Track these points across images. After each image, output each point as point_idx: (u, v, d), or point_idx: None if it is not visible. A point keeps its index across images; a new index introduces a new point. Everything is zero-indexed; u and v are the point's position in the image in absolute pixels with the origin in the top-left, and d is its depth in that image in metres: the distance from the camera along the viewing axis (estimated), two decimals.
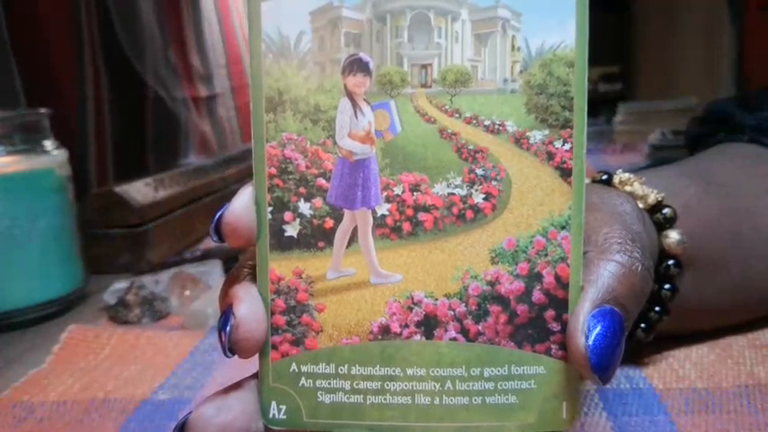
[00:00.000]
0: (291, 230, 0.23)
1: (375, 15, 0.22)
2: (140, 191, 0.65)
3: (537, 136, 0.23)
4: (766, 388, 0.33)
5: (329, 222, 0.23)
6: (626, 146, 1.21)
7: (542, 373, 0.22)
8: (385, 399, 0.23)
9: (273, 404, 0.23)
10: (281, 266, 0.23)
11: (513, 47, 0.22)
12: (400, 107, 0.23)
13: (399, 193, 0.23)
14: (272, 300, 0.23)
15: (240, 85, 1.08)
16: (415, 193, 0.23)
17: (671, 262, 0.33)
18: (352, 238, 0.23)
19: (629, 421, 0.31)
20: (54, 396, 0.37)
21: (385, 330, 0.23)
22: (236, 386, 0.24)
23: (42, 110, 0.55)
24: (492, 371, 0.23)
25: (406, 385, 0.23)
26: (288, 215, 0.23)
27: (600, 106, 1.49)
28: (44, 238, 0.52)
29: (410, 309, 0.23)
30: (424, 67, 0.23)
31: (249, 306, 0.22)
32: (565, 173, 0.22)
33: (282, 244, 0.23)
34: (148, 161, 0.83)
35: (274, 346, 0.23)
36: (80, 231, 0.57)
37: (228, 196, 0.23)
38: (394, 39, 0.22)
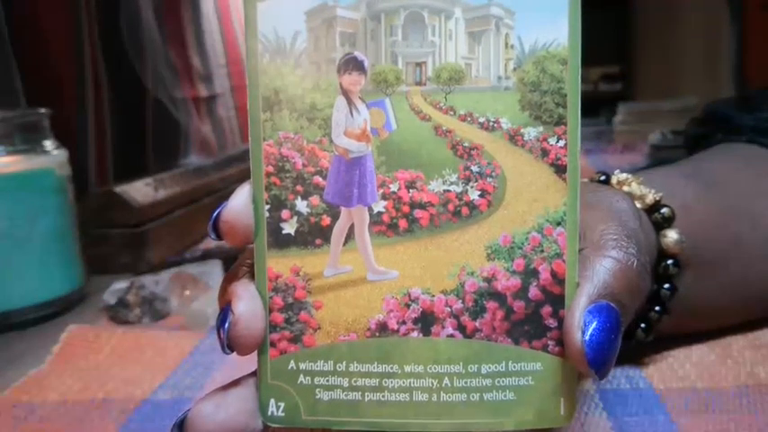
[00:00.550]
0: (289, 228, 0.23)
1: (369, 14, 0.23)
2: (140, 191, 0.65)
3: (531, 133, 0.23)
4: (766, 388, 0.33)
5: (326, 220, 0.23)
6: (626, 146, 1.21)
7: (539, 369, 0.22)
8: (383, 396, 0.23)
9: (272, 401, 0.23)
10: (278, 264, 0.23)
11: (506, 44, 0.22)
12: (395, 105, 0.23)
13: (395, 191, 0.23)
14: (271, 297, 0.23)
15: (240, 85, 1.08)
16: (410, 191, 0.23)
17: (670, 261, 0.33)
18: (349, 236, 0.23)
19: (629, 421, 0.31)
20: (54, 396, 0.37)
21: (382, 327, 0.23)
22: (235, 383, 0.24)
23: (42, 110, 0.55)
24: (489, 367, 0.23)
25: (403, 382, 0.23)
26: (285, 213, 0.23)
27: (600, 106, 1.49)
28: (44, 238, 0.53)
29: (407, 305, 0.23)
30: (419, 65, 0.23)
31: (248, 303, 0.23)
32: (560, 169, 0.22)
33: (280, 242, 0.23)
34: (148, 161, 0.84)
35: (273, 344, 0.23)
36: (80, 231, 0.57)
37: (228, 196, 0.23)
38: (388, 37, 0.23)
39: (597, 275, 0.23)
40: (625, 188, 0.33)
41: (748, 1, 1.39)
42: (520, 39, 0.22)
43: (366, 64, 0.23)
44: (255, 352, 0.23)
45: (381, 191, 0.23)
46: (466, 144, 0.23)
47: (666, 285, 0.33)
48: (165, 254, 0.65)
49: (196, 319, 0.48)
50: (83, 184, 0.67)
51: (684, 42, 1.67)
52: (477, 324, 0.23)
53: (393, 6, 0.23)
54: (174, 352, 0.42)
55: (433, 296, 0.23)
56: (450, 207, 0.23)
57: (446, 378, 0.23)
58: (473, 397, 0.23)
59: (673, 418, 0.31)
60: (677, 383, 0.34)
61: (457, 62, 0.23)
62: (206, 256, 0.62)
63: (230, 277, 0.24)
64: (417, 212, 0.23)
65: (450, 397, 0.23)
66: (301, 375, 0.23)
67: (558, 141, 0.22)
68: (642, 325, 0.33)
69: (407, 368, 0.23)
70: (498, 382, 0.23)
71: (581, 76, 0.22)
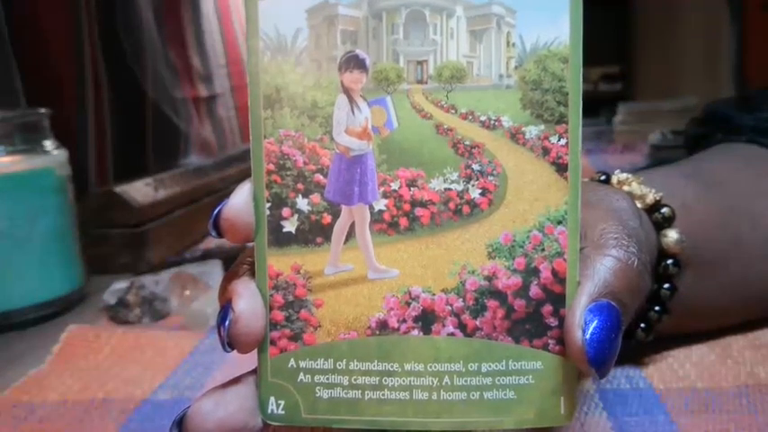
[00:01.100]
0: (289, 226, 0.23)
1: (371, 12, 0.23)
2: (140, 191, 0.65)
3: (532, 131, 0.23)
4: (766, 388, 0.33)
5: (327, 218, 0.23)
6: (626, 146, 1.21)
7: (540, 368, 0.22)
8: (383, 394, 0.23)
9: (272, 399, 0.23)
10: (279, 262, 0.23)
11: (507, 43, 0.22)
12: (397, 103, 0.23)
13: (396, 189, 0.23)
14: (271, 295, 0.23)
15: (240, 85, 1.08)
16: (411, 189, 0.23)
17: (670, 261, 0.33)
18: (350, 234, 0.23)
19: (629, 421, 0.31)
20: (54, 396, 0.37)
21: (383, 325, 0.23)
22: (235, 381, 0.24)
23: (42, 110, 0.55)
24: (490, 366, 0.23)
25: (403, 380, 0.23)
26: (286, 211, 0.23)
27: (600, 106, 1.49)
28: (44, 238, 0.53)
29: (408, 304, 0.23)
30: (420, 63, 0.23)
31: (248, 301, 0.23)
32: (561, 168, 0.22)
33: (281, 240, 0.23)
34: (148, 161, 0.83)
35: (273, 342, 0.23)
36: (80, 231, 0.57)
37: (228, 196, 0.23)
38: (390, 35, 0.23)
39: (598, 274, 0.23)
40: (625, 188, 0.33)
41: (748, 1, 1.39)
42: (521, 37, 0.22)
43: (367, 62, 0.23)
44: (255, 350, 0.23)
45: (382, 189, 0.23)
46: (467, 142, 0.23)
47: (666, 285, 0.33)
48: (165, 254, 0.65)
49: (196, 319, 0.48)
50: (83, 184, 0.67)
51: (684, 42, 1.67)
52: (477, 323, 0.23)
53: (394, 4, 0.23)
54: (174, 352, 0.42)
55: (434, 294, 0.23)
56: (451, 205, 0.23)
57: (446, 376, 0.23)
58: (473, 395, 0.23)
59: (673, 418, 0.31)
60: (677, 383, 0.34)
61: (458, 60, 0.23)
62: (206, 255, 0.62)
63: (231, 275, 0.24)
64: (418, 211, 0.23)
65: (450, 395, 0.23)
66: (301, 373, 0.23)
67: (559, 140, 0.22)
68: (642, 325, 0.33)
69: (408, 366, 0.23)
70: (498, 380, 0.23)
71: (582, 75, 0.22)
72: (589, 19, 0.22)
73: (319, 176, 0.23)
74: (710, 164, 0.41)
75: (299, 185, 0.23)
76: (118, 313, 0.50)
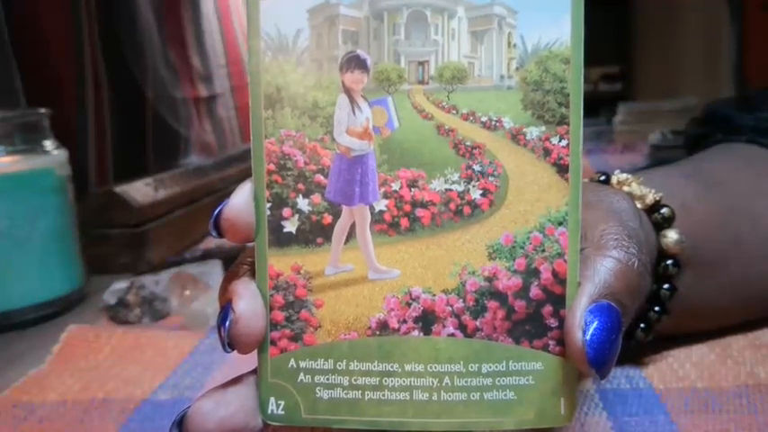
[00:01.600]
0: (290, 226, 0.23)
1: (372, 13, 0.23)
2: (140, 191, 0.65)
3: (534, 132, 0.23)
4: (766, 388, 0.33)
5: (327, 218, 0.23)
6: (626, 146, 1.21)
7: (540, 369, 0.22)
8: (383, 395, 0.23)
9: (272, 400, 0.23)
10: (279, 262, 0.23)
11: (509, 44, 0.22)
12: (398, 103, 0.23)
13: (397, 189, 0.23)
14: (271, 295, 0.23)
15: (240, 85, 1.08)
16: (412, 189, 0.23)
17: (669, 262, 0.33)
18: (351, 234, 0.23)
19: (630, 421, 0.31)
20: (54, 396, 0.37)
21: (383, 326, 0.23)
22: (235, 381, 0.24)
23: (42, 110, 0.55)
24: (490, 367, 0.23)
25: (404, 381, 0.23)
26: (286, 211, 0.23)
27: (600, 106, 1.49)
28: (44, 238, 0.53)
29: (408, 304, 0.23)
30: (421, 63, 0.23)
31: (248, 301, 0.22)
32: (562, 169, 0.22)
33: (281, 240, 0.23)
34: (148, 161, 0.84)
35: (273, 342, 0.23)
36: (80, 231, 0.57)
37: (228, 196, 0.23)
38: (391, 36, 0.23)
39: (598, 275, 0.23)
40: (625, 188, 0.33)
41: (748, 1, 1.39)
42: (522, 38, 0.22)
43: (369, 62, 0.23)
44: (256, 350, 0.23)
45: (383, 189, 0.23)
46: (468, 143, 0.23)
47: (666, 285, 0.33)
48: (165, 254, 0.65)
49: (196, 319, 0.48)
50: (83, 184, 0.67)
51: (684, 42, 1.67)
52: (477, 323, 0.23)
53: (396, 5, 0.23)
54: (174, 352, 0.42)
55: (434, 295, 0.23)
56: (452, 206, 0.23)
57: (446, 377, 0.23)
58: (473, 396, 0.23)
59: (673, 417, 0.31)
60: (677, 383, 0.34)
61: (459, 61, 0.23)
62: (206, 256, 0.62)
63: (231, 276, 0.24)
64: (419, 211, 0.23)
65: (450, 396, 0.23)
66: (301, 374, 0.23)
67: (560, 141, 0.22)
68: (642, 325, 0.33)
69: (408, 367, 0.23)
70: (499, 381, 0.23)
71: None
72: (589, 19, 0.22)
73: (320, 177, 0.23)
74: (710, 164, 0.41)
75: (300, 186, 0.23)
76: (118, 313, 0.50)
